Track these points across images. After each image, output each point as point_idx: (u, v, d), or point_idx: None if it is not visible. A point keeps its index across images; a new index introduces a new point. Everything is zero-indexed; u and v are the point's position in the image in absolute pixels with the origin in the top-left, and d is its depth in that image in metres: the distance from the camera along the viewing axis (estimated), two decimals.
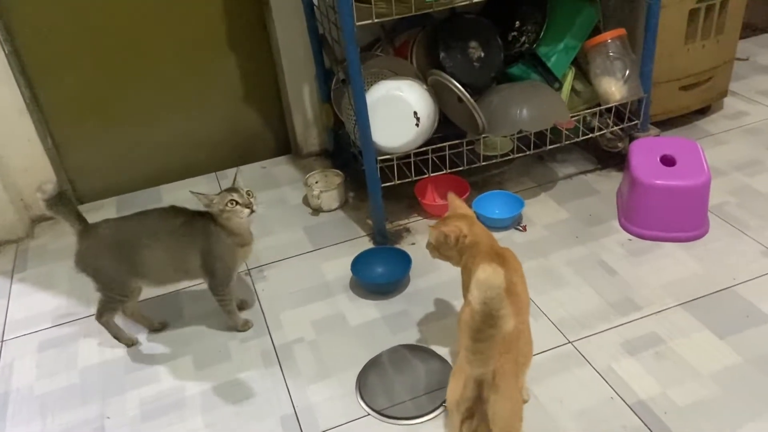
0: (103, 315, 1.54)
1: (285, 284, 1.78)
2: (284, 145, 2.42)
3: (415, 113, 1.69)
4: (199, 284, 1.77)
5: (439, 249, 1.33)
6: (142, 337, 1.64)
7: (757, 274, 1.62)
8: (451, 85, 1.70)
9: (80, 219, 1.48)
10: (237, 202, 1.44)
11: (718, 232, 1.78)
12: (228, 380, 1.50)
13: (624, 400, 1.34)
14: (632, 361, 1.43)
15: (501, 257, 1.25)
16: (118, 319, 1.60)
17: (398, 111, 1.70)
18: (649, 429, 1.28)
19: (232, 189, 1.46)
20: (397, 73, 1.84)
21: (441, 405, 1.37)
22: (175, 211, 1.52)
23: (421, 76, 1.83)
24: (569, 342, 1.49)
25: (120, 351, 1.61)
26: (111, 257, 1.47)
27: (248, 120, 2.34)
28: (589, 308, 1.58)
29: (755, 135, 2.19)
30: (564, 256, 1.76)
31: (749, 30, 2.80)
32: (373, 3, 1.57)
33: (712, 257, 1.70)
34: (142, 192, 2.28)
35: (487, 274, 0.90)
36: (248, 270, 1.84)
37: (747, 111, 2.33)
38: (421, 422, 1.34)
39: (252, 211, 1.46)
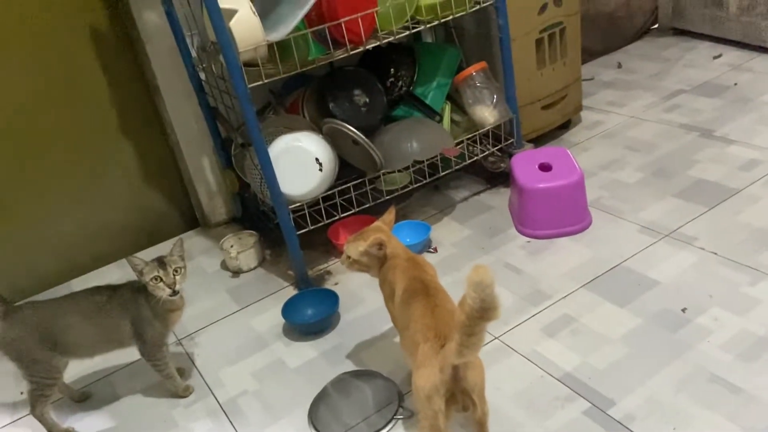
0: (36, 407, 1.49)
1: (218, 345, 1.80)
2: (191, 220, 2.46)
3: (317, 159, 1.82)
4: (132, 362, 1.75)
5: (359, 261, 1.42)
6: (76, 425, 1.59)
7: (638, 249, 1.85)
8: (345, 130, 1.84)
9: (1, 300, 1.46)
10: (161, 279, 1.47)
11: (599, 221, 2.01)
12: None
13: (552, 376, 1.48)
14: (552, 341, 1.58)
15: (418, 264, 1.38)
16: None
17: (301, 160, 1.82)
18: (578, 394, 1.42)
19: (162, 263, 1.47)
20: (292, 129, 1.97)
21: (393, 418, 1.44)
22: (98, 289, 1.53)
23: (316, 127, 1.97)
24: (496, 338, 1.63)
25: None
26: (35, 339, 1.45)
27: (151, 200, 2.36)
28: (506, 306, 1.72)
29: (611, 138, 2.50)
30: None
31: (587, 54, 3.21)
32: (261, 66, 1.70)
33: (600, 242, 1.91)
34: (51, 291, 2.21)
35: (480, 274, 0.97)
36: (179, 340, 1.84)
37: (601, 120, 2.66)
38: None
39: (174, 292, 1.48)
